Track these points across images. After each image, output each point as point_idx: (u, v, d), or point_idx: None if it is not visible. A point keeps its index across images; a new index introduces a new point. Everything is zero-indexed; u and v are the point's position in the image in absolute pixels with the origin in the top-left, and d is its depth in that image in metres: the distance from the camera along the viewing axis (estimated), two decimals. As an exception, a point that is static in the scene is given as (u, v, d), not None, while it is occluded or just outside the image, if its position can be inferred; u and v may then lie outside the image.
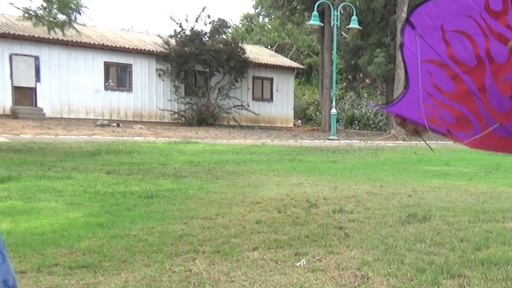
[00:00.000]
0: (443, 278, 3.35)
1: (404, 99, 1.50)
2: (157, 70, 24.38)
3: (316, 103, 33.84)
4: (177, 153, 11.62)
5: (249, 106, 26.88)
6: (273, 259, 3.66)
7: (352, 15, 22.96)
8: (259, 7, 42.30)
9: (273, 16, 43.18)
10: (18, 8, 12.22)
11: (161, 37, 24.77)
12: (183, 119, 24.99)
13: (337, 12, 22.81)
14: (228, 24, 27.35)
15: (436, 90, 1.43)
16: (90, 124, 20.80)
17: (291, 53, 40.28)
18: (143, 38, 26.71)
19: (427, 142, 1.71)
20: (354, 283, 3.25)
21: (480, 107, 1.43)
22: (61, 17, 12.31)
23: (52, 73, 21.75)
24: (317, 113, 32.40)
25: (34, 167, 8.04)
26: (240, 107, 26.10)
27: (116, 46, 23.33)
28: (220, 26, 25.58)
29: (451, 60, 1.35)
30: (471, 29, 1.26)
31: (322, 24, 25.37)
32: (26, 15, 12.06)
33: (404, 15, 22.87)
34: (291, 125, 29.10)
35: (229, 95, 25.65)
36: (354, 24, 22.60)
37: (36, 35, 20.63)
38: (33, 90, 21.49)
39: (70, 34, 16.61)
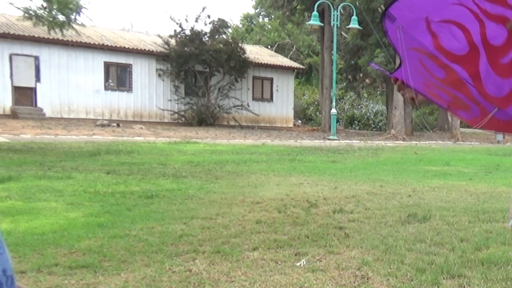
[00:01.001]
0: (443, 278, 3.34)
1: (403, 69, 1.44)
2: (157, 70, 24.38)
3: (316, 103, 33.84)
4: (177, 153, 11.62)
5: (249, 106, 26.87)
6: (273, 259, 3.66)
7: (352, 15, 22.96)
8: (259, 7, 42.34)
9: (273, 16, 43.19)
10: (18, 8, 12.23)
11: (161, 37, 24.77)
12: (183, 119, 24.98)
13: (337, 12, 22.81)
14: (228, 24, 27.36)
15: (428, 74, 1.40)
16: (90, 124, 20.80)
17: (291, 53, 40.29)
18: (143, 38, 26.71)
19: (425, 123, 1.68)
20: (354, 283, 3.25)
21: (475, 94, 1.41)
22: (61, 17, 12.33)
23: (52, 73, 21.74)
24: (317, 113, 32.40)
25: (34, 167, 8.04)
26: (240, 107, 26.09)
27: (116, 46, 23.33)
28: (220, 26, 25.58)
29: (438, 51, 1.31)
30: (462, 17, 1.22)
31: (322, 24, 25.38)
32: (26, 15, 12.07)
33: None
34: (291, 125, 29.08)
35: (229, 95, 25.65)
36: (354, 24, 22.61)
37: (36, 35, 20.63)
38: (33, 90, 21.48)
39: (70, 34, 16.62)
